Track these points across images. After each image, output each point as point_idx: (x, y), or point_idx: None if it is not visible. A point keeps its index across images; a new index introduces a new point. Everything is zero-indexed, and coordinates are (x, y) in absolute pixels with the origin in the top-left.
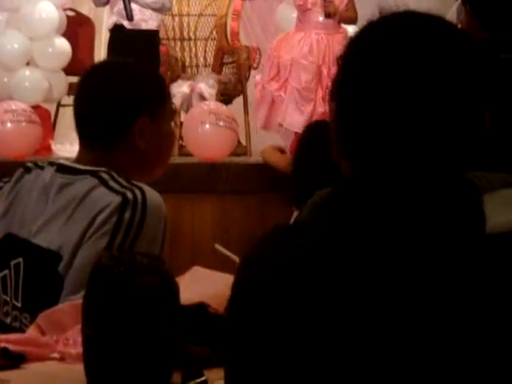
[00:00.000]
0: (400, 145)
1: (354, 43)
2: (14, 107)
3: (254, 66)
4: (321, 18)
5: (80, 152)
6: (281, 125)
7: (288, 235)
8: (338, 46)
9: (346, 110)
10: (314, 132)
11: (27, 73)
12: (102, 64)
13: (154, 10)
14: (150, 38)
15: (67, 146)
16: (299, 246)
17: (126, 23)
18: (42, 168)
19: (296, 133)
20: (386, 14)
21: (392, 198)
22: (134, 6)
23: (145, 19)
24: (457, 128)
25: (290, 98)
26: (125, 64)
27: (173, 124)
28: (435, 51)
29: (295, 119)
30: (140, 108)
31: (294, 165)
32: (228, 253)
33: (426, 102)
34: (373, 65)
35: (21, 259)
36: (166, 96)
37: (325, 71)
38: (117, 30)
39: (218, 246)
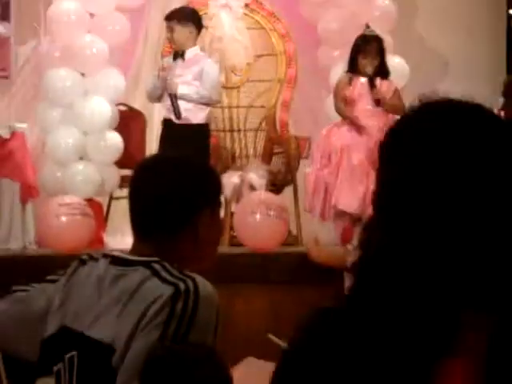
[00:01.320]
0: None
1: (393, 131)
2: (68, 201)
3: (304, 155)
4: (368, 107)
5: (135, 243)
6: (334, 209)
7: (325, 322)
8: None
9: (386, 199)
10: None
11: (80, 167)
12: (158, 158)
13: (202, 104)
14: (200, 132)
15: (119, 238)
16: (334, 334)
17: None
18: (96, 260)
19: (348, 221)
20: (426, 102)
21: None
22: (181, 101)
23: (193, 111)
24: (497, 225)
25: (342, 179)
26: (180, 158)
27: (222, 213)
28: (475, 142)
29: (349, 200)
30: (202, 202)
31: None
32: (280, 342)
33: (466, 195)
34: (411, 155)
35: (75, 352)
36: (220, 190)
37: (376, 153)
38: (167, 125)
39: (270, 336)
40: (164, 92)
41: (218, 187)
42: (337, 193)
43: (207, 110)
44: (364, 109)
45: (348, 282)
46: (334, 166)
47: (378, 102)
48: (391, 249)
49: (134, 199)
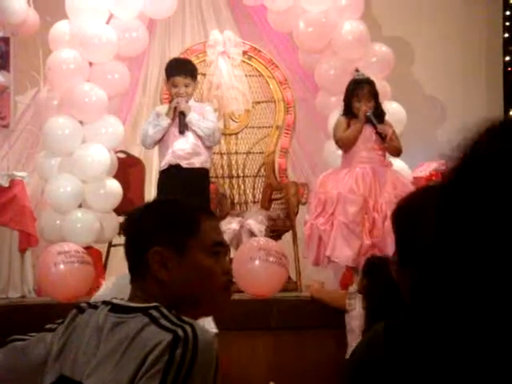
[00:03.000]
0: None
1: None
2: (66, 249)
3: (303, 201)
4: (365, 153)
5: (131, 289)
6: (329, 258)
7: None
8: (383, 179)
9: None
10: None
11: (79, 215)
12: (143, 204)
13: (205, 145)
14: (202, 176)
15: None
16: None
17: (183, 163)
18: (95, 308)
19: (347, 269)
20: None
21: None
22: (190, 137)
23: (199, 153)
24: None
25: (337, 232)
26: (162, 202)
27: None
28: None
29: (344, 253)
30: (155, 238)
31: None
32: None
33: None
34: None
35: None
36: (193, 229)
37: (371, 203)
38: (169, 170)
39: None
40: (161, 136)
41: (186, 225)
42: (331, 245)
43: (209, 153)
44: (360, 155)
45: (349, 324)
46: (328, 215)
47: (380, 139)
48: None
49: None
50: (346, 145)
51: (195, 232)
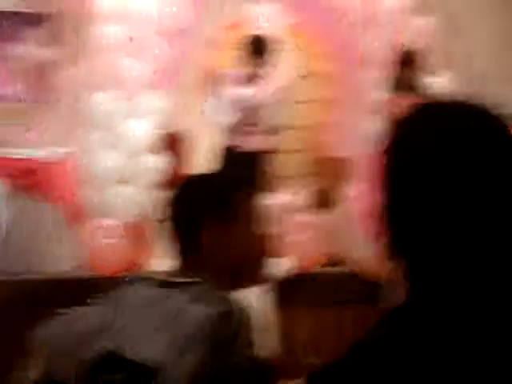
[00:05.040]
0: (457, 247)
1: (399, 134)
2: (108, 224)
3: (347, 176)
4: None
5: (175, 264)
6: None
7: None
8: None
9: (398, 204)
10: None
11: (122, 190)
12: (189, 177)
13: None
14: (258, 159)
15: (162, 261)
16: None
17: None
18: (140, 282)
19: None
20: (429, 104)
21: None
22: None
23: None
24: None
25: None
26: (206, 175)
27: (261, 232)
28: (478, 150)
29: None
30: (206, 210)
31: None
32: None
33: (469, 196)
34: (415, 158)
35: (118, 375)
36: (240, 201)
37: None
38: (230, 152)
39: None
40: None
41: (224, 198)
42: None
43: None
44: None
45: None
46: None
47: None
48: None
49: (166, 221)
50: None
51: (242, 203)
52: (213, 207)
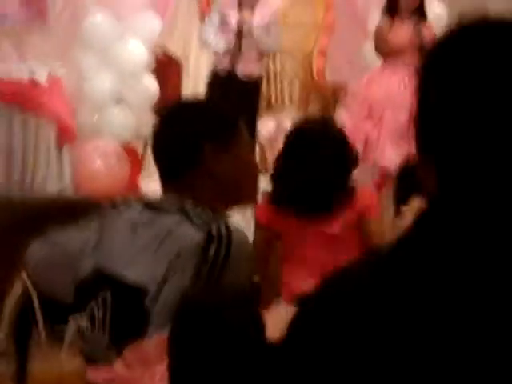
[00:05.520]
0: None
1: (435, 50)
2: (103, 145)
3: (341, 102)
4: (408, 55)
5: (163, 187)
6: (376, 163)
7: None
8: None
9: (433, 122)
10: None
11: (116, 111)
12: (179, 103)
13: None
14: (257, 85)
15: (154, 183)
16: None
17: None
18: (129, 204)
19: (382, 170)
20: (465, 24)
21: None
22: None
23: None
24: None
25: (385, 135)
26: (199, 101)
27: (257, 158)
28: None
29: (393, 158)
30: (205, 134)
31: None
32: None
33: (507, 115)
34: (456, 79)
35: (108, 293)
36: (237, 127)
37: None
38: (224, 77)
39: None
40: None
41: (226, 123)
42: (380, 150)
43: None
44: (404, 56)
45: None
46: (376, 119)
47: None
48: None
49: (153, 145)
50: (389, 56)
51: (239, 129)
52: (214, 130)
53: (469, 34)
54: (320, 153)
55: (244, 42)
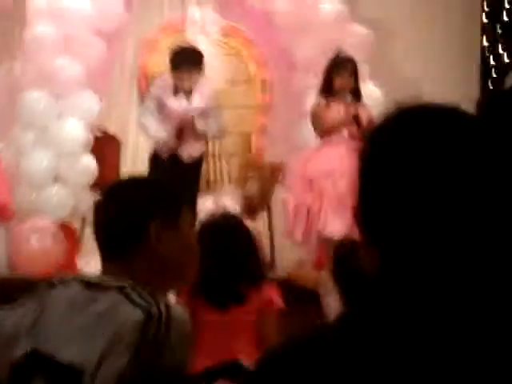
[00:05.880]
0: (428, 241)
1: (373, 140)
2: (40, 224)
3: (278, 180)
4: (345, 134)
5: (103, 266)
6: (319, 234)
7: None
8: None
9: (374, 204)
10: (347, 253)
11: (54, 190)
12: (122, 180)
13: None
14: (199, 163)
15: (92, 262)
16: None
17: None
18: (67, 284)
19: (322, 246)
20: (401, 111)
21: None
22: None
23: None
24: (486, 223)
25: (328, 207)
26: (142, 178)
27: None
28: (453, 146)
29: (336, 227)
30: (150, 211)
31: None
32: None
33: (446, 197)
34: (395, 162)
35: (43, 376)
36: (182, 205)
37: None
38: (167, 159)
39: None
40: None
41: (173, 201)
42: (323, 220)
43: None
44: (340, 135)
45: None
46: (317, 193)
47: (357, 128)
48: (390, 271)
49: (95, 222)
50: (327, 134)
51: (183, 207)
52: (160, 209)
53: (406, 120)
54: (221, 247)
55: (184, 128)
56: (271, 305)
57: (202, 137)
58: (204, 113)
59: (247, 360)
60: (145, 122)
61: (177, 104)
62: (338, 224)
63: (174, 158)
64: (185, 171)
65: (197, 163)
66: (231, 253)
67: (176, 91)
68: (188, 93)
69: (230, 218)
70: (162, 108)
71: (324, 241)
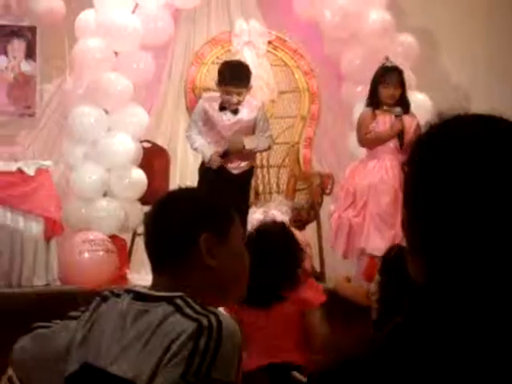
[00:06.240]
0: (478, 250)
1: (421, 148)
2: (91, 237)
3: (327, 191)
4: (392, 144)
5: (154, 278)
6: (362, 250)
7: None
8: None
9: (423, 212)
10: (395, 260)
11: (104, 203)
12: (172, 192)
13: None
14: (249, 175)
15: (143, 275)
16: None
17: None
18: (118, 296)
19: (370, 259)
20: (447, 119)
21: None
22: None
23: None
24: None
25: (370, 223)
26: (192, 190)
27: None
28: (504, 155)
29: (378, 244)
30: (201, 224)
31: (381, 294)
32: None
33: (499, 205)
34: (445, 170)
35: None
36: (233, 219)
37: (401, 195)
38: (217, 172)
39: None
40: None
41: (223, 212)
42: (365, 236)
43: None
44: (388, 146)
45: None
46: (360, 207)
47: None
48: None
49: (146, 235)
50: (371, 146)
51: (233, 220)
52: (210, 222)
53: (455, 130)
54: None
55: (231, 151)
56: (309, 303)
57: (250, 155)
58: (252, 127)
59: (295, 358)
60: (191, 136)
61: (224, 118)
62: (379, 241)
63: (223, 169)
64: (234, 183)
65: (246, 175)
66: (274, 255)
67: (222, 107)
68: (235, 110)
69: (274, 225)
70: (208, 122)
71: (367, 256)
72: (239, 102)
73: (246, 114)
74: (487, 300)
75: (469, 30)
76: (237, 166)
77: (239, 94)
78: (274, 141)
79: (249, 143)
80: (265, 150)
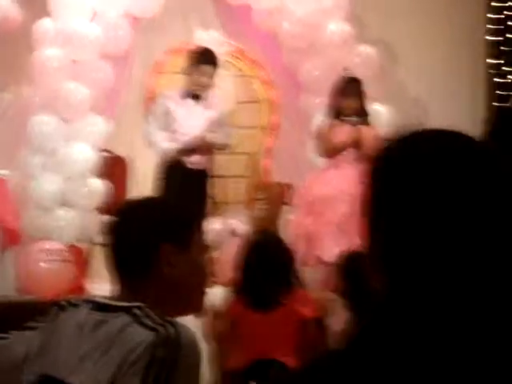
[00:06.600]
0: (441, 266)
1: (382, 164)
2: (49, 247)
3: (287, 201)
4: (350, 154)
5: (113, 288)
6: (318, 258)
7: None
8: None
9: (384, 224)
10: (352, 265)
11: (62, 213)
12: (132, 201)
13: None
14: (206, 177)
15: (101, 285)
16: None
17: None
18: (76, 306)
19: (327, 267)
20: (406, 134)
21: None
22: None
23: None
24: (497, 250)
25: (326, 231)
26: (153, 199)
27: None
28: (460, 170)
29: (334, 252)
30: (161, 234)
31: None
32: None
33: (457, 218)
34: (404, 186)
35: None
36: (193, 228)
37: (360, 204)
38: (175, 167)
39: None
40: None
41: (184, 223)
42: (321, 244)
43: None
44: (346, 156)
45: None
46: (317, 215)
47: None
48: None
49: (106, 244)
50: (330, 155)
51: (195, 230)
52: (171, 231)
53: (415, 144)
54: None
55: (196, 146)
56: (303, 315)
57: (209, 150)
58: (213, 123)
59: (284, 358)
60: (151, 136)
61: (185, 111)
62: (335, 250)
63: (181, 164)
64: (191, 179)
65: (202, 174)
66: (273, 265)
67: (186, 95)
68: (197, 96)
69: (272, 236)
70: (168, 118)
71: (325, 265)
72: (208, 86)
73: (208, 106)
74: (447, 308)
75: (427, 43)
76: (196, 161)
77: (211, 77)
78: (232, 138)
79: (209, 136)
80: (224, 147)
